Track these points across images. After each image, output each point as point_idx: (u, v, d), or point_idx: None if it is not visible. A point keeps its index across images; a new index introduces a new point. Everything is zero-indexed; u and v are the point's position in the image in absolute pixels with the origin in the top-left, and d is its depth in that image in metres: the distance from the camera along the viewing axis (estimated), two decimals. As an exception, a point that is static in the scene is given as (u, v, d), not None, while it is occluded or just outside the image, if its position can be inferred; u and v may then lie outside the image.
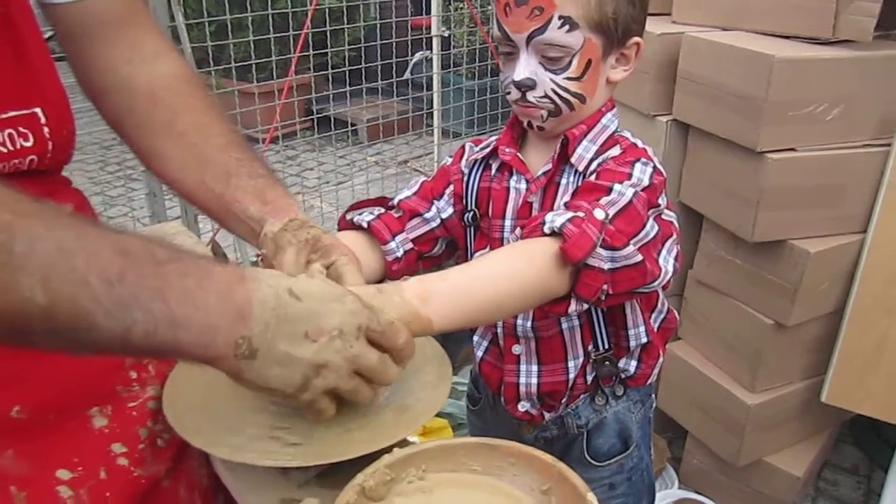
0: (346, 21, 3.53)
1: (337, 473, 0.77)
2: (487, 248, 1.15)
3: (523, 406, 1.22)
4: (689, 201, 2.05)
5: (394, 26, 3.55)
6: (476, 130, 3.83)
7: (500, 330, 1.19)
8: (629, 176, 1.00)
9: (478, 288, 0.90)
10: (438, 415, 1.94)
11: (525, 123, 1.10)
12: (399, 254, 1.12)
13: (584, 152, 1.07)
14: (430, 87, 3.73)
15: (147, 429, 0.86)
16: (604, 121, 1.08)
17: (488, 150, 1.16)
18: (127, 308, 0.61)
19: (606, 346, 1.16)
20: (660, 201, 1.02)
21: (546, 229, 0.92)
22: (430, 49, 3.64)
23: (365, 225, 1.12)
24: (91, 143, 4.05)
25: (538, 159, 1.12)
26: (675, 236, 1.07)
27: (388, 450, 0.78)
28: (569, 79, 1.03)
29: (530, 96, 1.04)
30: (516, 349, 1.18)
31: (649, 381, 1.23)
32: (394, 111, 3.90)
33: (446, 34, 3.93)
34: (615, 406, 1.21)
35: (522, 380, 1.19)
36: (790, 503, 2.13)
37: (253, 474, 0.81)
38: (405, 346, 0.79)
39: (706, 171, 1.98)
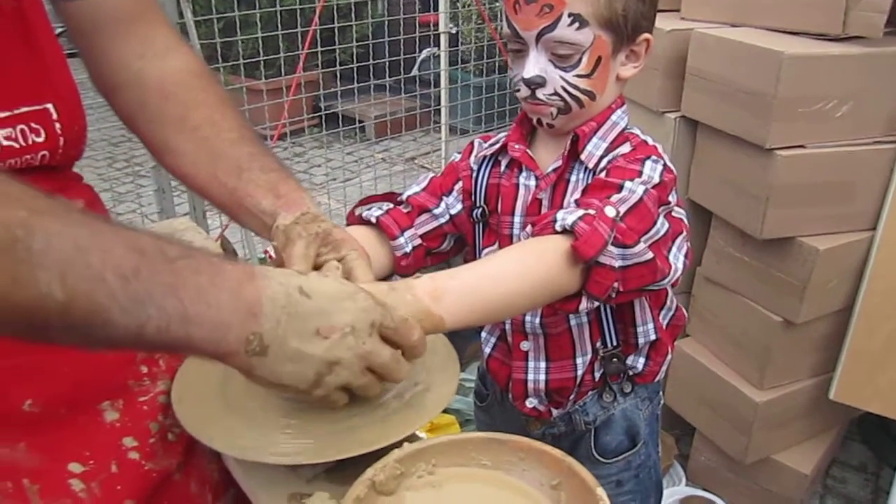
0: (353, 18, 3.52)
1: (346, 468, 0.77)
2: (496, 245, 1.15)
3: (531, 402, 1.22)
4: (698, 198, 2.05)
5: (401, 23, 3.55)
6: (483, 127, 3.83)
7: (508, 326, 1.19)
8: (640, 173, 1.00)
9: (489, 286, 0.90)
10: (446, 411, 1.93)
11: (534, 120, 1.10)
12: (407, 249, 1.12)
13: (594, 149, 1.07)
14: (437, 84, 3.72)
15: (158, 423, 0.86)
16: (613, 117, 1.08)
17: (497, 146, 1.16)
18: (141, 304, 0.61)
19: (615, 343, 1.16)
20: (670, 198, 1.02)
21: (557, 227, 0.92)
22: (438, 46, 3.63)
23: (374, 220, 1.12)
24: (100, 139, 4.07)
25: (547, 156, 1.12)
26: (685, 233, 1.07)
27: (396, 445, 0.78)
28: (579, 76, 1.03)
29: (540, 94, 1.04)
30: (524, 346, 1.18)
31: (657, 378, 1.23)
32: (401, 108, 3.91)
33: (454, 31, 3.93)
34: (623, 403, 1.21)
35: (530, 376, 1.19)
36: (798, 501, 2.13)
37: (262, 469, 0.82)
38: (418, 343, 0.79)
39: (715, 167, 1.97)
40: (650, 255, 0.96)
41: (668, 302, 1.20)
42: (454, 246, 1.21)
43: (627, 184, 0.97)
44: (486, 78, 4.10)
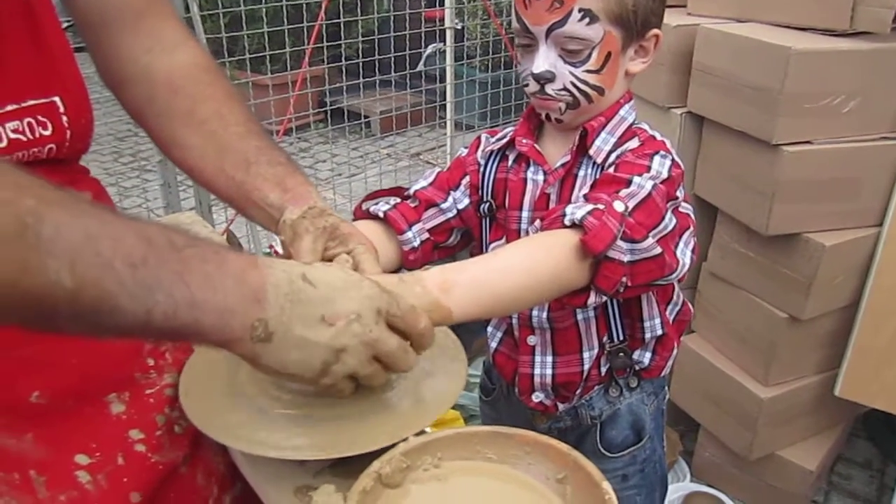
0: (359, 13, 3.52)
1: (352, 461, 0.77)
2: (503, 239, 1.15)
3: (537, 397, 1.22)
4: (704, 194, 2.05)
5: (407, 18, 3.55)
6: (489, 123, 3.83)
7: (515, 321, 1.19)
8: (648, 168, 1.00)
9: (497, 280, 0.90)
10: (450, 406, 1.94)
11: (543, 115, 1.10)
12: (416, 243, 1.12)
13: (602, 144, 1.07)
14: (443, 80, 3.72)
15: (164, 416, 0.87)
16: (622, 112, 1.08)
17: (505, 141, 1.16)
18: (149, 290, 0.61)
19: (621, 338, 1.16)
20: (678, 194, 1.03)
21: (566, 221, 0.92)
22: (444, 41, 3.63)
23: (381, 214, 1.12)
24: (106, 134, 4.07)
25: (555, 151, 1.12)
26: (692, 229, 1.07)
27: (402, 439, 0.78)
28: (588, 71, 1.03)
29: (549, 89, 1.04)
30: (531, 340, 1.18)
31: (663, 374, 1.23)
32: (407, 103, 3.90)
33: (459, 26, 3.92)
34: (629, 398, 1.21)
35: (537, 371, 1.19)
36: (803, 497, 2.13)
37: (269, 463, 0.82)
38: (425, 332, 0.79)
39: (721, 163, 1.97)
40: (658, 249, 0.96)
41: (675, 297, 1.20)
42: (461, 240, 1.21)
43: (636, 179, 0.97)
44: (492, 73, 4.10)
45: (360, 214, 1.15)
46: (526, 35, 1.04)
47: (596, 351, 1.16)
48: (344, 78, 3.58)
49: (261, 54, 2.90)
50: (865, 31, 1.76)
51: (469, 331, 0.98)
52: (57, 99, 0.87)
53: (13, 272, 0.56)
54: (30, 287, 0.57)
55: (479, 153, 1.18)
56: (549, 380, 1.19)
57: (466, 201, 1.17)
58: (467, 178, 1.18)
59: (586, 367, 1.17)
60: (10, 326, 0.61)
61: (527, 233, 1.12)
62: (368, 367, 0.76)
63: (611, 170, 1.03)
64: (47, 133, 0.85)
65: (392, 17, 3.52)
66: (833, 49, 1.73)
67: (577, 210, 0.92)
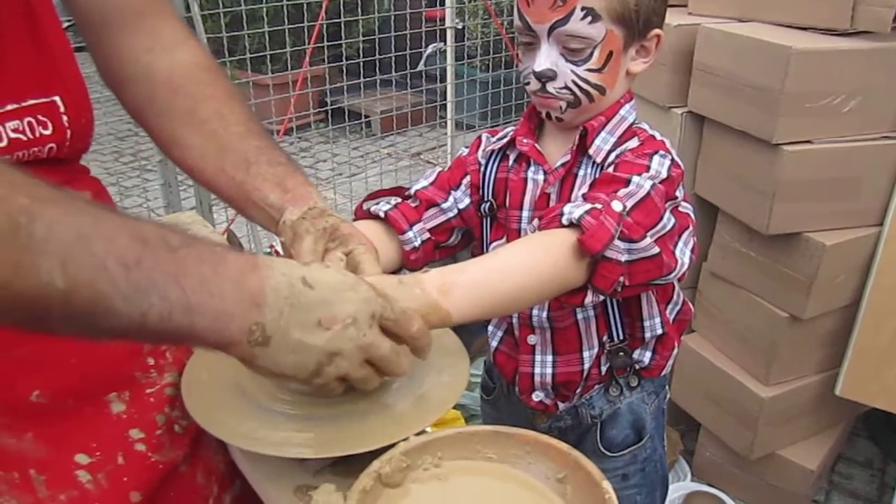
0: (360, 12, 3.52)
1: (352, 461, 0.77)
2: (504, 239, 1.15)
3: (538, 396, 1.22)
4: (704, 193, 2.05)
5: (408, 18, 3.55)
6: (489, 122, 3.83)
7: (515, 320, 1.19)
8: (647, 168, 1.00)
9: (496, 280, 0.90)
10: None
11: (543, 114, 1.10)
12: (416, 243, 1.12)
13: (602, 144, 1.07)
14: (443, 79, 3.72)
15: (164, 415, 0.86)
16: (622, 112, 1.08)
17: (505, 140, 1.16)
18: (144, 292, 0.61)
19: (621, 337, 1.16)
20: (677, 193, 1.02)
21: (564, 220, 0.92)
22: (444, 41, 3.63)
23: (382, 214, 1.12)
24: (106, 133, 4.07)
25: (556, 150, 1.12)
26: (691, 228, 1.07)
27: (403, 439, 0.78)
28: (590, 70, 1.03)
29: (550, 87, 1.04)
30: (531, 339, 1.18)
31: (664, 373, 1.23)
32: (407, 103, 3.90)
33: (460, 26, 3.93)
34: (629, 397, 1.21)
35: (537, 370, 1.19)
36: (803, 496, 2.13)
37: (269, 462, 0.82)
38: (419, 335, 0.79)
39: (721, 163, 1.97)
40: (656, 249, 0.96)
41: (675, 296, 1.20)
42: (462, 240, 1.21)
43: (635, 178, 0.97)
44: (493, 73, 4.10)
45: (361, 214, 1.15)
46: (528, 33, 1.04)
47: (596, 350, 1.16)
48: (344, 77, 3.59)
49: (261, 54, 2.90)
50: (866, 30, 1.76)
51: (469, 331, 0.98)
52: (57, 98, 0.86)
53: (5, 273, 0.55)
54: (22, 288, 0.56)
55: (480, 153, 1.18)
56: (549, 379, 1.19)
57: (467, 201, 1.17)
58: (468, 178, 1.18)
59: (586, 366, 1.17)
60: (6, 328, 0.60)
61: (527, 232, 1.12)
62: (361, 370, 0.75)
63: (610, 169, 1.03)
64: (47, 132, 0.85)
65: (393, 17, 3.52)
66: (833, 48, 1.73)
67: (574, 209, 0.92)
